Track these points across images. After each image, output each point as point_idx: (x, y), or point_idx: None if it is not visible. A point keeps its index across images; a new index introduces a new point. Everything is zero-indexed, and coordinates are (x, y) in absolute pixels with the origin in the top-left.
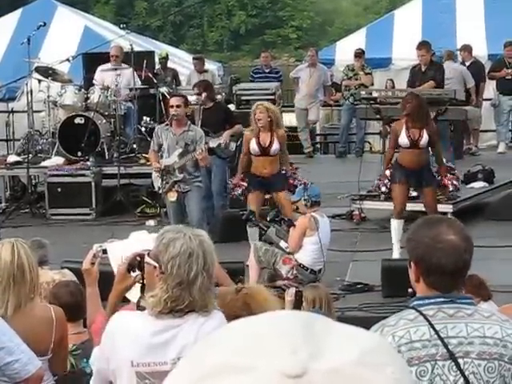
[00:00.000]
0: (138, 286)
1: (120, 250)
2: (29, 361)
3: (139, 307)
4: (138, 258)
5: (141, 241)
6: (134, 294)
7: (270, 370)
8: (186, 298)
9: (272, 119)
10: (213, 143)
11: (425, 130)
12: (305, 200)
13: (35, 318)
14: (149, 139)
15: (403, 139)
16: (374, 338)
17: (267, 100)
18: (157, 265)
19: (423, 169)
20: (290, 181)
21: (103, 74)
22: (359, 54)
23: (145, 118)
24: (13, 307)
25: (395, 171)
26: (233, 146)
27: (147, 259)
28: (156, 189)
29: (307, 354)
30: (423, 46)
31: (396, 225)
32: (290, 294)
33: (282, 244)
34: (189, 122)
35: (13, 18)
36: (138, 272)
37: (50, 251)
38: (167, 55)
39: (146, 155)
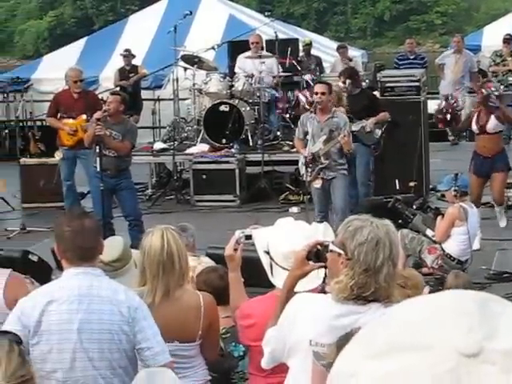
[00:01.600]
0: (308, 276)
1: (266, 236)
2: (160, 352)
3: (324, 293)
4: (319, 247)
5: (292, 229)
6: (301, 285)
7: (447, 348)
8: (372, 285)
9: None
10: (355, 126)
11: (492, 116)
12: (455, 190)
13: (183, 305)
14: (292, 126)
15: (473, 125)
16: None
17: (412, 87)
18: (342, 252)
19: (496, 154)
20: None
21: (246, 62)
22: (507, 39)
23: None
24: (161, 295)
25: (471, 159)
26: (377, 133)
27: (332, 247)
28: (302, 176)
29: (483, 333)
30: None
31: None
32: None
33: (429, 232)
34: (333, 109)
35: (160, 7)
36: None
37: (195, 236)
38: (311, 42)
39: (290, 142)
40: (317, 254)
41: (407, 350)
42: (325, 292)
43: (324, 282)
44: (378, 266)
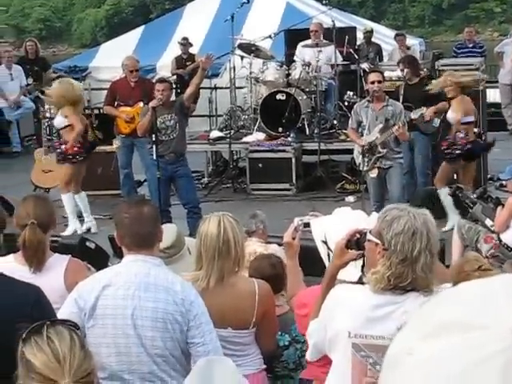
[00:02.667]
0: (351, 265)
1: (323, 226)
2: (212, 351)
3: (361, 284)
4: (358, 236)
5: (350, 218)
6: (345, 273)
7: (502, 328)
8: (409, 275)
9: None
10: (414, 114)
11: None
12: None
13: (237, 292)
14: (350, 115)
15: None
16: None
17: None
18: (379, 242)
19: None
20: None
21: (304, 50)
22: None
23: (348, 92)
24: (215, 280)
25: None
26: (436, 121)
27: (369, 236)
28: (358, 166)
29: None
30: None
31: None
32: None
33: (488, 222)
34: (387, 97)
35: None
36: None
37: (265, 223)
38: (372, 30)
39: (346, 131)
40: (357, 243)
41: (462, 330)
42: (362, 282)
43: (362, 271)
44: (415, 255)
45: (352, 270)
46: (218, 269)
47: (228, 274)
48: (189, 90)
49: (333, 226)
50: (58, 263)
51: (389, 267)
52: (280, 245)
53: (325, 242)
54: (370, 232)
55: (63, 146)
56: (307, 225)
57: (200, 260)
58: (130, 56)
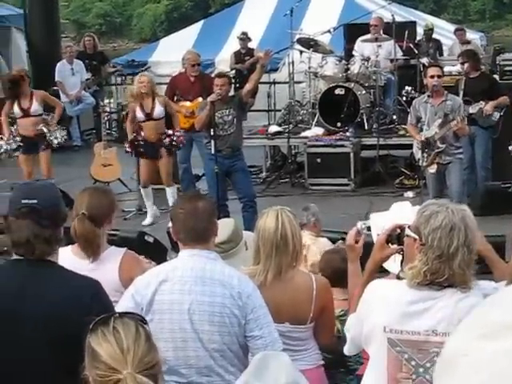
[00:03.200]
0: (398, 258)
1: (382, 221)
2: (271, 343)
3: (399, 279)
4: (398, 230)
5: (402, 213)
6: (392, 265)
7: None
8: (446, 271)
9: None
10: (473, 109)
11: None
12: None
13: (295, 287)
14: (409, 110)
15: None
16: None
17: None
18: (417, 237)
19: None
20: None
21: (363, 45)
22: None
23: (406, 87)
24: (273, 275)
25: None
26: (496, 116)
27: (407, 231)
28: (417, 161)
29: None
30: None
31: None
32: None
33: None
34: (446, 92)
35: None
36: (395, 244)
37: (317, 216)
38: (433, 27)
39: (406, 126)
40: (398, 238)
41: None
42: (399, 277)
43: (401, 266)
44: (452, 252)
45: (392, 265)
46: (275, 263)
47: (286, 269)
48: (248, 86)
49: (391, 221)
50: (113, 256)
51: (425, 262)
52: (334, 241)
53: None
54: (408, 227)
55: (174, 136)
56: (370, 228)
57: (258, 254)
58: (191, 50)
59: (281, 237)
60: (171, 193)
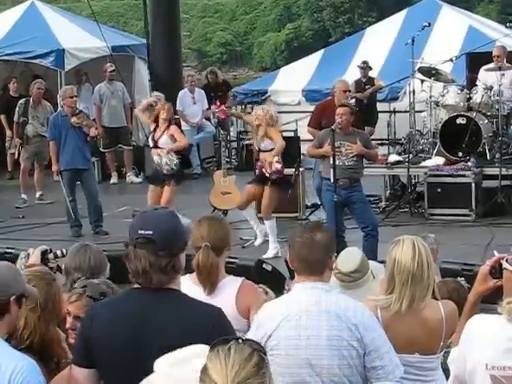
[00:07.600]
0: None
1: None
2: (392, 370)
3: (497, 313)
4: (501, 262)
5: None
6: None
7: None
8: None
9: None
10: None
11: None
12: None
13: (426, 316)
14: None
15: None
16: None
17: None
18: None
19: None
20: None
21: (486, 74)
22: None
23: None
24: (407, 304)
25: None
26: None
27: (505, 265)
28: None
29: None
30: None
31: None
32: None
33: None
34: None
35: (398, 19)
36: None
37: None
38: None
39: None
40: (501, 270)
41: None
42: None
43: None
44: None
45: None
46: (410, 293)
47: (419, 298)
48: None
49: None
50: (231, 285)
51: None
52: (454, 272)
53: None
54: (506, 260)
55: (275, 169)
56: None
57: (392, 283)
58: (342, 79)
59: (417, 266)
60: (269, 226)
